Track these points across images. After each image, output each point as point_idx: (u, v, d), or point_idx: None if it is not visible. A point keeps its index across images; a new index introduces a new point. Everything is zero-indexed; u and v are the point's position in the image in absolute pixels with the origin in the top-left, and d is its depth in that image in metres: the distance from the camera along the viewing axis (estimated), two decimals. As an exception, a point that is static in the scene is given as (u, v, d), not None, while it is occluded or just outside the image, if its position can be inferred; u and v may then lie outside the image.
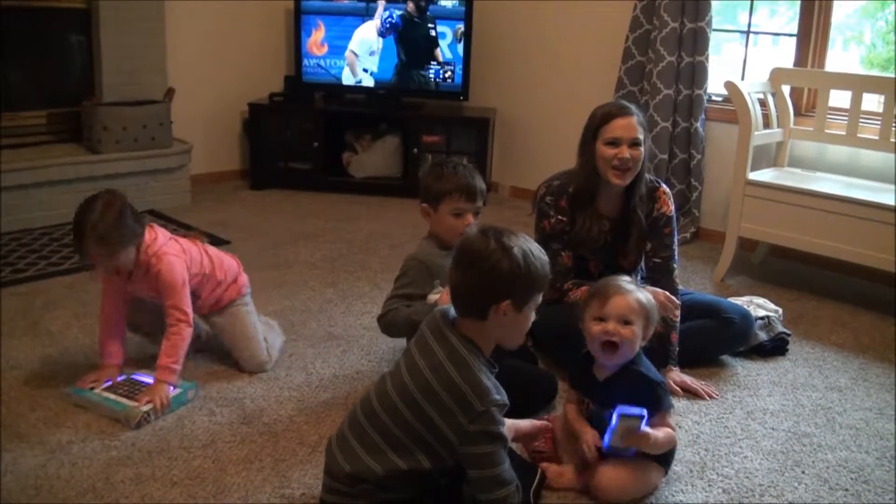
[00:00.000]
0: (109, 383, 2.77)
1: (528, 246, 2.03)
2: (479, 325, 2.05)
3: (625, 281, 2.40)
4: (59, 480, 2.30)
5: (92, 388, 2.73)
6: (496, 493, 2.02)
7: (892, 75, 4.35)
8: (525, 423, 2.49)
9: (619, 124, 2.93)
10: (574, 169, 3.11)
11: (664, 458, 2.38)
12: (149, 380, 2.78)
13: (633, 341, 2.32)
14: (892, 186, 3.97)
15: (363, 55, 5.58)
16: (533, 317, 2.10)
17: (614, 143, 2.93)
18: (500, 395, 2.03)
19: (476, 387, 1.98)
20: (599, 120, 2.98)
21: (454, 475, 2.11)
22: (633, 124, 2.94)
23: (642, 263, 3.22)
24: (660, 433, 2.27)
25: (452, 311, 2.12)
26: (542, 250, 2.08)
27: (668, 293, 2.89)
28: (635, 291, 2.36)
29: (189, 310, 2.80)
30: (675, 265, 3.12)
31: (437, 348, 2.06)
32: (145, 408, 2.63)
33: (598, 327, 2.33)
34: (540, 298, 2.08)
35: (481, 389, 1.98)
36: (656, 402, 2.30)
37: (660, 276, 3.08)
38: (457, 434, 2.00)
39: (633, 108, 3.00)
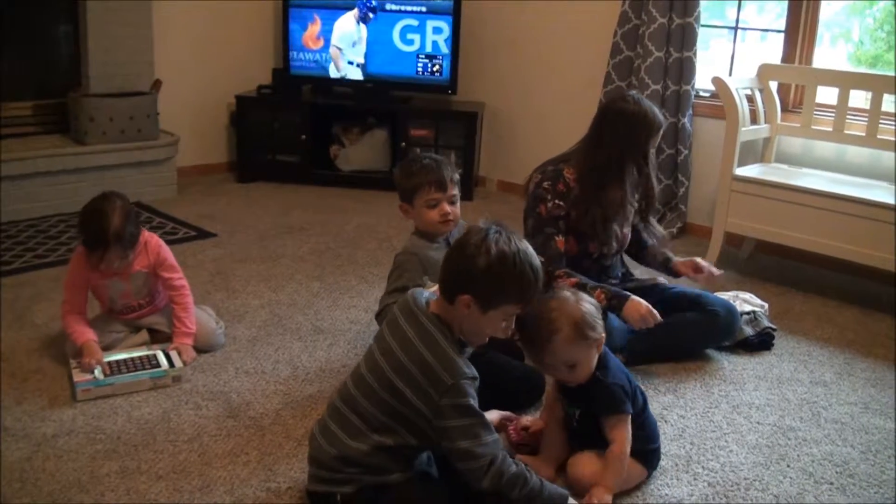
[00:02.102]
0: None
1: (516, 256, 1.99)
2: (448, 308, 2.06)
3: (549, 311, 2.26)
4: (44, 474, 2.30)
5: (102, 371, 2.79)
6: (469, 465, 2.01)
7: (880, 72, 4.37)
8: (493, 415, 2.52)
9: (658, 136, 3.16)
10: (573, 154, 3.20)
11: (647, 460, 2.40)
12: (137, 354, 2.91)
13: (584, 374, 2.29)
14: (879, 182, 3.99)
15: (346, 48, 5.57)
16: (503, 327, 2.08)
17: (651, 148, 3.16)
18: (470, 370, 2.03)
19: (444, 361, 2.00)
20: (656, 128, 3.11)
21: (444, 461, 2.11)
22: None
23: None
24: (610, 467, 2.27)
25: (424, 295, 2.14)
26: (536, 264, 2.03)
27: (650, 307, 2.95)
28: (560, 331, 2.22)
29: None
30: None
31: (408, 327, 2.07)
32: (180, 364, 2.89)
33: (549, 375, 2.41)
34: (514, 310, 2.07)
35: (449, 363, 2.00)
36: (609, 405, 2.29)
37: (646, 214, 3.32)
38: (430, 409, 2.00)
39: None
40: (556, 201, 3.11)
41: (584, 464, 2.33)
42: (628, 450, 2.29)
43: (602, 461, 2.30)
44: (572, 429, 2.41)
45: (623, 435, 2.29)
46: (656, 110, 3.13)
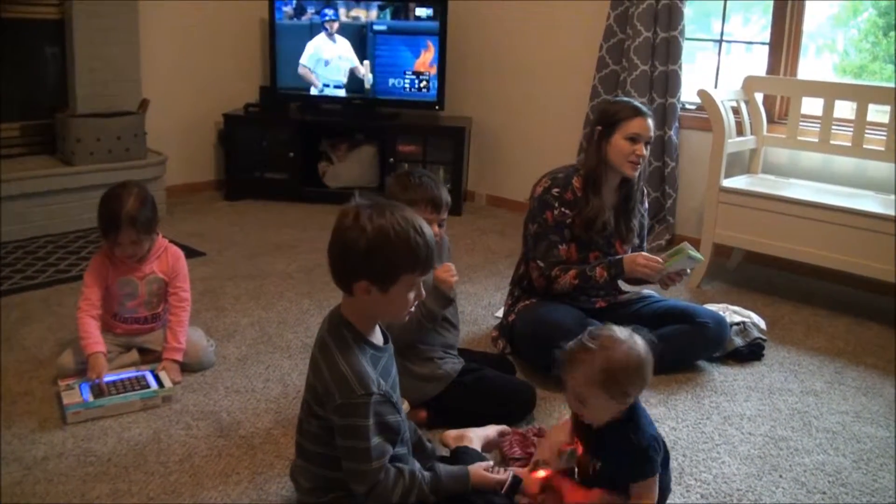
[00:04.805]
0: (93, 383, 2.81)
1: (393, 226, 1.90)
2: (351, 300, 2.01)
3: (594, 342, 2.09)
4: (34, 497, 2.28)
5: (98, 386, 2.79)
6: (354, 486, 1.97)
7: (865, 83, 4.40)
8: (491, 431, 2.54)
9: (640, 123, 3.09)
10: (578, 161, 3.26)
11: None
12: (127, 375, 2.89)
13: (593, 416, 2.13)
14: (865, 192, 4.02)
15: (317, 68, 5.60)
16: (411, 298, 1.99)
17: (634, 139, 3.07)
18: (364, 386, 1.91)
19: (336, 375, 1.94)
20: (622, 115, 3.10)
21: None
22: (651, 125, 3.12)
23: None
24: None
25: None
26: (419, 230, 1.93)
27: (644, 255, 3.09)
28: (587, 365, 2.07)
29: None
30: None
31: (315, 346, 2.06)
32: (169, 384, 2.87)
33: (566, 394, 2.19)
34: (415, 278, 1.96)
35: (340, 379, 1.92)
36: (639, 470, 2.12)
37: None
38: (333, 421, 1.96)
39: (648, 108, 3.18)
40: (563, 209, 3.14)
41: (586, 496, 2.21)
42: None
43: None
44: (588, 477, 2.21)
45: (653, 493, 2.14)
46: (634, 103, 3.16)
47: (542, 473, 2.23)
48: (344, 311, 2.05)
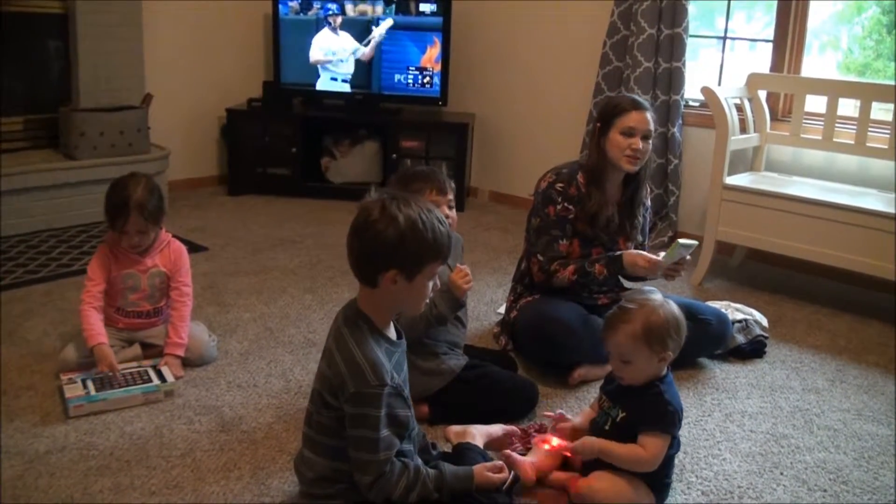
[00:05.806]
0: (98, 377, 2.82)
1: (420, 216, 1.94)
2: (372, 292, 2.01)
3: (632, 304, 2.28)
4: (36, 491, 2.28)
5: (103, 379, 2.81)
6: (358, 477, 2.00)
7: (868, 80, 4.39)
8: (496, 429, 2.53)
9: (635, 117, 3.07)
10: (582, 157, 3.16)
11: (658, 487, 2.31)
12: (129, 369, 2.89)
13: (634, 376, 2.27)
14: (868, 190, 4.02)
15: (327, 63, 5.60)
16: (430, 287, 2.04)
17: (629, 133, 3.05)
18: (378, 376, 1.95)
19: (352, 367, 1.96)
20: (617, 110, 3.09)
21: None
22: (647, 118, 3.08)
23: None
24: (622, 450, 2.23)
25: None
26: (441, 220, 2.00)
27: (643, 253, 3.06)
28: (629, 324, 2.24)
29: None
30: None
31: (329, 337, 2.07)
32: (171, 379, 2.87)
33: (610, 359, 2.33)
34: (437, 267, 2.01)
35: (356, 370, 1.95)
36: (659, 419, 2.23)
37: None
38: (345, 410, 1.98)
39: (647, 103, 3.15)
40: (566, 204, 3.14)
41: (601, 478, 2.26)
42: (649, 465, 2.22)
43: (619, 479, 2.25)
44: (603, 433, 2.32)
45: (656, 449, 2.21)
46: (632, 97, 3.18)
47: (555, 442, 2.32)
48: (361, 304, 2.06)
